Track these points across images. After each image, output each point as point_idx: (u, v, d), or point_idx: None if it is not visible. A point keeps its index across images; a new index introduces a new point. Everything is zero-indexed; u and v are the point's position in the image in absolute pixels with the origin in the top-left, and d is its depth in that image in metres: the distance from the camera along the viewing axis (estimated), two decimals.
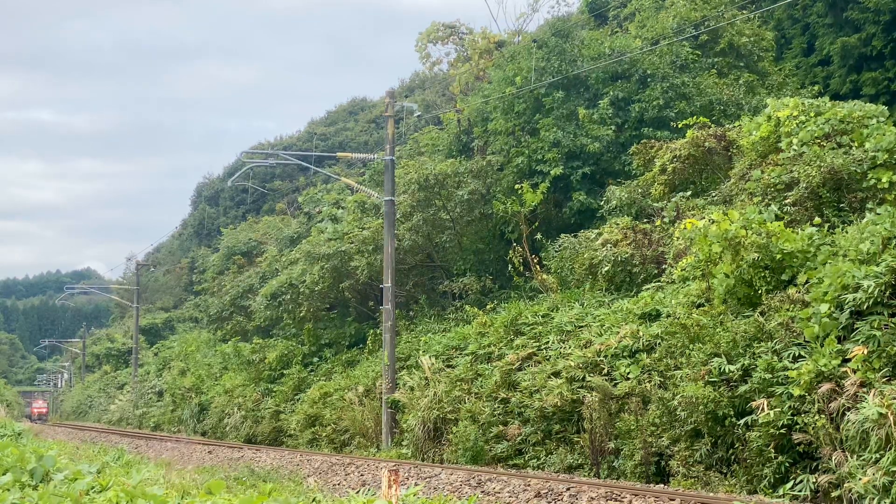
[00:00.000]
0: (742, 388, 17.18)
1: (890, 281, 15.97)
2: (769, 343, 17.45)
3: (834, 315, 16.42)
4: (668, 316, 21.48)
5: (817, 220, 20.34)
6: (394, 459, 26.45)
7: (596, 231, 28.68)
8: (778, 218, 20.68)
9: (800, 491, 15.58)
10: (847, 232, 18.64)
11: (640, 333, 21.61)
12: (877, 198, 20.67)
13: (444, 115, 46.11)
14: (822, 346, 16.17)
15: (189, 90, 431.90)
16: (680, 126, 29.46)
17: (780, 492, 15.84)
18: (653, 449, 19.11)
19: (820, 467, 15.55)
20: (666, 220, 26.37)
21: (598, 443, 20.59)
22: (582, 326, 24.49)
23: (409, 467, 23.17)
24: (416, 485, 19.77)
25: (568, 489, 17.91)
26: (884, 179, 20.66)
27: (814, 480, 15.46)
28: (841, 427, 15.17)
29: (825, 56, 37.70)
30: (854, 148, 21.84)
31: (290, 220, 64.69)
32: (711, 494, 16.52)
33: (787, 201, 21.76)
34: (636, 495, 16.54)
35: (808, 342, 16.78)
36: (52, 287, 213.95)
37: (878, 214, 18.36)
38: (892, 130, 21.85)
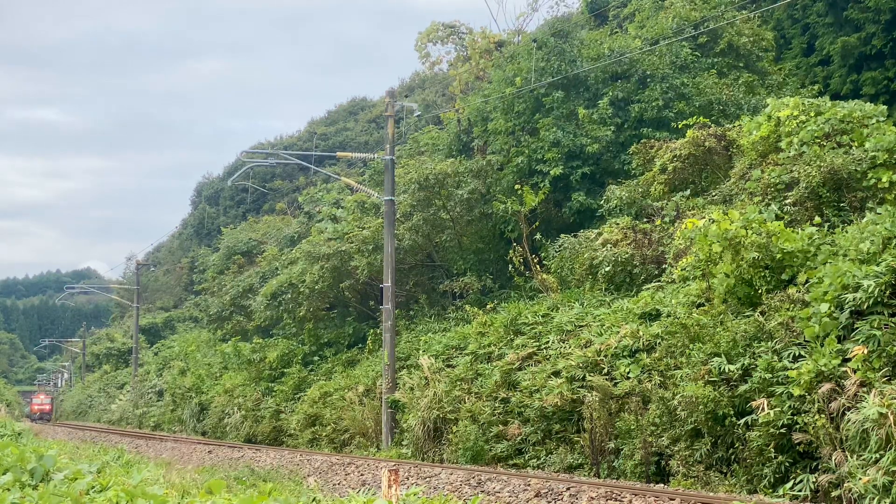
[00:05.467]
0: (742, 388, 17.19)
1: (890, 281, 15.97)
2: (769, 343, 17.46)
3: (834, 315, 16.42)
4: (668, 316, 21.48)
5: (817, 219, 20.35)
6: (394, 459, 26.45)
7: (596, 231, 28.68)
8: (778, 218, 20.70)
9: (800, 491, 15.58)
10: (847, 232, 18.65)
11: (640, 333, 21.61)
12: (877, 197, 20.68)
13: (444, 115, 46.11)
14: (822, 345, 16.17)
15: (195, 89, 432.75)
16: (680, 126, 29.46)
17: (780, 492, 15.85)
18: (653, 449, 19.11)
19: (820, 467, 15.56)
20: (666, 219, 26.37)
21: (598, 442, 20.59)
22: (582, 326, 24.49)
23: (409, 467, 23.17)
24: (416, 485, 19.79)
25: (568, 489, 17.91)
26: (884, 179, 20.68)
27: (814, 480, 15.47)
28: (841, 427, 15.18)
29: (825, 56, 37.67)
30: (854, 148, 21.85)
31: (290, 219, 64.69)
32: (711, 494, 16.52)
33: (787, 201, 21.77)
34: (636, 495, 16.54)
35: (808, 342, 16.79)
36: (52, 287, 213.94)
37: (879, 214, 18.37)
38: (893, 130, 21.87)
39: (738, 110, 32.46)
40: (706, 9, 36.72)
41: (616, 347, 21.84)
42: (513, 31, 44.70)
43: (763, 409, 16.39)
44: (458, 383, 26.36)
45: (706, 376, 17.91)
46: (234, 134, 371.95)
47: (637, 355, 21.19)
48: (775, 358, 16.98)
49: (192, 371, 53.48)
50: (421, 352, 29.95)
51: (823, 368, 15.75)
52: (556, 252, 30.00)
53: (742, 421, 16.96)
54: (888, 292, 15.97)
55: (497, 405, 24.32)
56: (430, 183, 35.52)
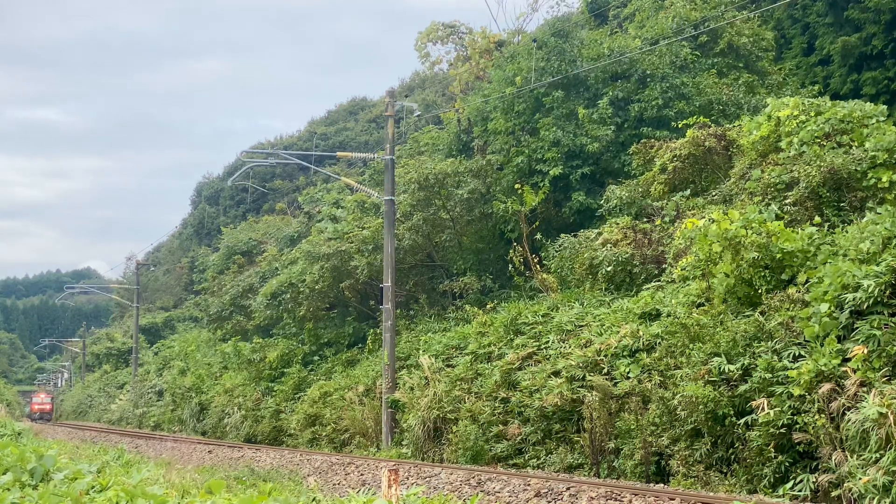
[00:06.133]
0: (742, 388, 17.19)
1: (890, 280, 15.97)
2: (769, 343, 17.46)
3: (834, 315, 16.42)
4: (668, 315, 21.48)
5: (817, 219, 20.35)
6: (394, 459, 26.45)
7: (596, 231, 28.67)
8: (778, 217, 20.69)
9: (800, 491, 15.58)
10: (847, 231, 18.65)
11: (640, 333, 21.61)
12: (877, 197, 20.68)
13: (444, 115, 46.09)
14: (822, 345, 16.18)
15: (195, 89, 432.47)
16: (680, 126, 29.46)
17: (780, 491, 15.85)
18: (653, 448, 19.11)
19: (820, 467, 15.56)
20: (666, 219, 26.37)
21: (598, 442, 20.59)
22: (582, 326, 24.49)
23: (409, 467, 23.17)
24: (416, 485, 19.79)
25: (568, 489, 17.91)
26: (884, 179, 20.67)
27: (814, 480, 15.47)
28: (841, 427, 15.18)
29: (825, 56, 37.68)
30: (854, 147, 21.85)
31: (290, 219, 64.69)
32: (711, 494, 16.52)
33: (787, 201, 21.77)
34: (636, 495, 16.54)
35: (808, 342, 16.79)
36: (53, 286, 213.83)
37: (879, 214, 18.37)
38: (892, 130, 21.87)
39: (738, 110, 32.46)
40: (706, 9, 36.71)
41: (616, 347, 21.83)
42: (513, 31, 44.66)
43: (763, 409, 16.39)
44: (458, 383, 26.36)
45: (706, 376, 17.90)
46: (235, 134, 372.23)
47: (637, 355, 21.18)
48: (775, 358, 16.98)
49: (192, 371, 53.49)
50: (421, 352, 29.96)
51: (823, 368, 15.76)
52: (556, 252, 29.98)
53: (742, 421, 16.96)
54: (888, 292, 15.97)
55: (497, 405, 24.32)
56: (430, 183, 35.52)
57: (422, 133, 45.88)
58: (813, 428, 15.51)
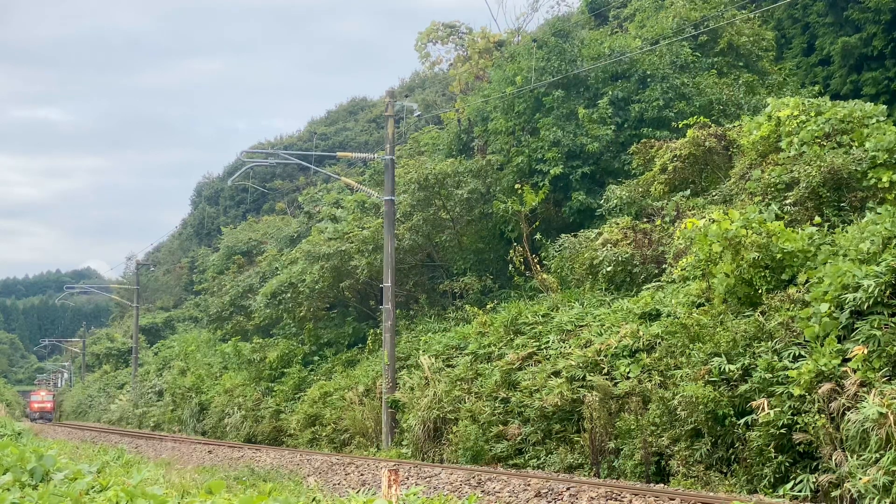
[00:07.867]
0: (742, 388, 17.19)
1: (890, 280, 15.97)
2: (769, 343, 17.46)
3: (834, 315, 16.42)
4: (669, 315, 21.48)
5: (817, 219, 20.36)
6: (394, 459, 26.45)
7: (596, 231, 28.67)
8: (778, 217, 20.70)
9: (800, 491, 15.59)
10: (847, 231, 18.66)
11: (641, 333, 21.61)
12: (877, 197, 20.68)
13: (444, 115, 46.11)
14: (822, 345, 16.18)
15: (196, 89, 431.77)
16: (680, 126, 29.47)
17: (780, 492, 15.85)
18: (653, 449, 19.11)
19: (820, 467, 15.56)
20: (666, 219, 26.37)
21: (598, 442, 20.59)
22: (582, 326, 24.49)
23: (409, 467, 23.17)
24: (416, 485, 19.79)
25: (568, 489, 17.91)
26: (884, 179, 20.67)
27: (814, 480, 15.47)
28: (841, 427, 15.18)
29: (825, 56, 37.71)
30: (854, 147, 21.85)
31: (291, 219, 64.73)
32: (711, 494, 16.52)
33: (787, 201, 21.77)
34: (636, 495, 16.54)
35: (808, 342, 16.79)
36: (52, 287, 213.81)
37: (879, 214, 18.37)
38: (892, 130, 21.87)
39: (738, 110, 32.46)
40: (706, 9, 36.72)
41: (616, 347, 21.83)
42: (513, 31, 44.65)
43: (763, 409, 16.40)
44: (458, 383, 26.36)
45: (706, 376, 17.91)
46: (236, 133, 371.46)
47: (637, 355, 21.18)
48: (775, 358, 16.99)
49: (192, 371, 53.49)
50: (421, 352, 29.96)
51: (823, 368, 15.76)
52: (556, 252, 29.99)
53: (742, 421, 16.96)
54: (888, 292, 15.97)
55: (497, 405, 24.32)
56: (430, 183, 35.53)
57: (422, 133, 45.89)
58: (813, 428, 15.51)
